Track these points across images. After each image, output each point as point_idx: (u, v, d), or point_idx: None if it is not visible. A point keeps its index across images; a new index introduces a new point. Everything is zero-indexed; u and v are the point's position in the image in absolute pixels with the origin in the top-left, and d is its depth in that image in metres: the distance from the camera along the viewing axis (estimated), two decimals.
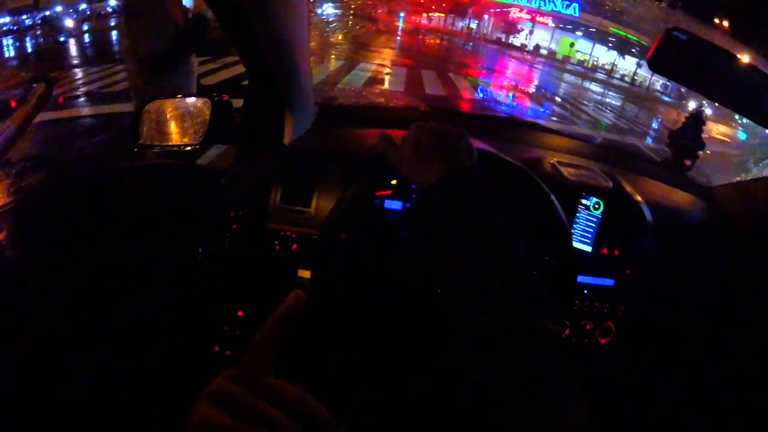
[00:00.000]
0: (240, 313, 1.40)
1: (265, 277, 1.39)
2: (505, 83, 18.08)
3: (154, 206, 1.32)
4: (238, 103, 1.37)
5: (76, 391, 1.06)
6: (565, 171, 1.54)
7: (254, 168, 1.42)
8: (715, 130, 14.17)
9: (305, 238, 1.35)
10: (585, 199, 1.51)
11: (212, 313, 1.39)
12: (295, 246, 1.36)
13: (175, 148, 1.37)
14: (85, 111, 8.98)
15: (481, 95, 13.72)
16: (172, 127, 1.36)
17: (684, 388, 1.81)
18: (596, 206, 1.51)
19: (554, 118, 12.68)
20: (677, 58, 1.17)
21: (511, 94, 15.49)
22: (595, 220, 1.52)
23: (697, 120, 2.07)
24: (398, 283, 1.26)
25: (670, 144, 2.18)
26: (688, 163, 2.10)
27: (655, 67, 1.18)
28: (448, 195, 0.82)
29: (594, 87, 24.10)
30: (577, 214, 1.52)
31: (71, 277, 1.16)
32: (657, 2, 32.82)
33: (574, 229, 1.52)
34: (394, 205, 1.34)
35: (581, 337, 1.57)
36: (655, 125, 16.71)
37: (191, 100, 1.36)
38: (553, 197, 1.27)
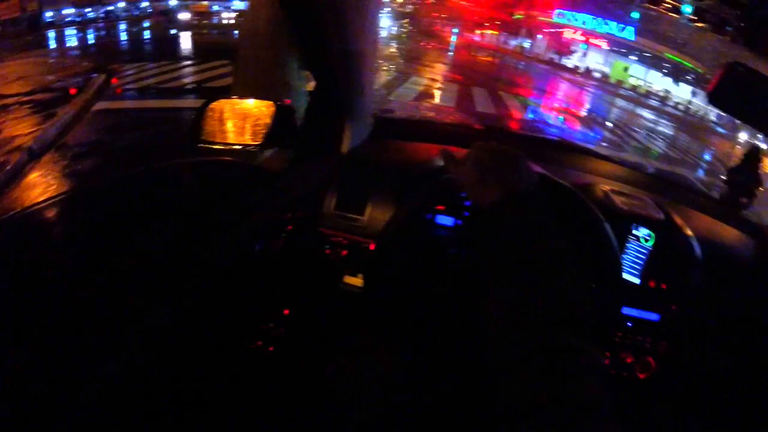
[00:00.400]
0: (286, 312, 1.43)
1: (312, 280, 1.41)
2: (555, 105, 17.96)
3: (210, 202, 1.34)
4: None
5: (122, 379, 1.08)
6: (617, 200, 1.52)
7: (311, 173, 1.45)
8: None
9: (356, 246, 1.36)
10: (636, 229, 1.48)
11: (259, 309, 1.41)
12: (344, 252, 1.37)
13: (233, 147, 1.39)
14: (141, 104, 9.25)
15: (531, 116, 13.65)
16: (233, 126, 1.38)
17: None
18: (647, 238, 1.48)
19: (604, 144, 12.50)
20: (738, 93, 1.14)
21: (561, 117, 15.36)
22: (644, 251, 1.49)
23: (754, 157, 2.00)
24: (443, 298, 1.26)
25: (728, 181, 2.12)
26: (744, 200, 2.03)
27: (715, 101, 1.16)
28: (506, 216, 0.83)
29: (646, 113, 23.67)
30: (627, 245, 1.48)
31: (121, 268, 1.18)
32: (717, 35, 32.11)
33: (624, 259, 1.47)
34: (446, 221, 1.33)
35: (620, 370, 1.54)
36: (707, 157, 16.25)
37: (254, 102, 1.38)
38: (607, 226, 1.26)
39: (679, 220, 1.55)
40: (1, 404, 0.81)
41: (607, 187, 1.57)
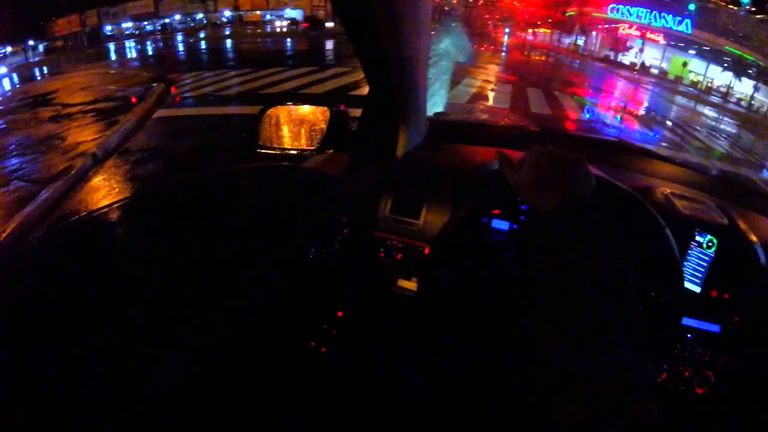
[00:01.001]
0: (339, 314, 1.44)
1: (366, 283, 1.42)
2: (612, 104, 17.56)
3: (269, 206, 1.37)
4: (353, 112, 1.40)
5: (176, 380, 1.11)
6: (679, 203, 1.46)
7: (366, 176, 1.45)
8: None
9: (410, 249, 1.36)
10: (699, 235, 1.42)
11: (314, 311, 1.43)
12: (399, 256, 1.38)
13: (291, 152, 1.41)
14: (199, 111, 9.52)
15: (587, 116, 13.38)
16: (290, 131, 1.42)
17: None
18: (710, 244, 1.42)
19: (664, 143, 12.11)
20: None
21: (618, 116, 14.99)
22: (707, 258, 1.42)
23: None
24: (497, 304, 1.24)
25: None
26: None
27: None
28: (563, 223, 0.82)
29: (707, 111, 22.89)
30: (689, 251, 1.43)
31: (183, 271, 1.22)
32: None
33: (685, 267, 1.42)
34: (502, 225, 1.32)
35: (678, 383, 1.48)
36: None
37: (310, 108, 1.41)
38: (668, 231, 1.21)
39: (743, 225, 1.48)
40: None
41: (667, 190, 1.52)
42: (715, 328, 1.44)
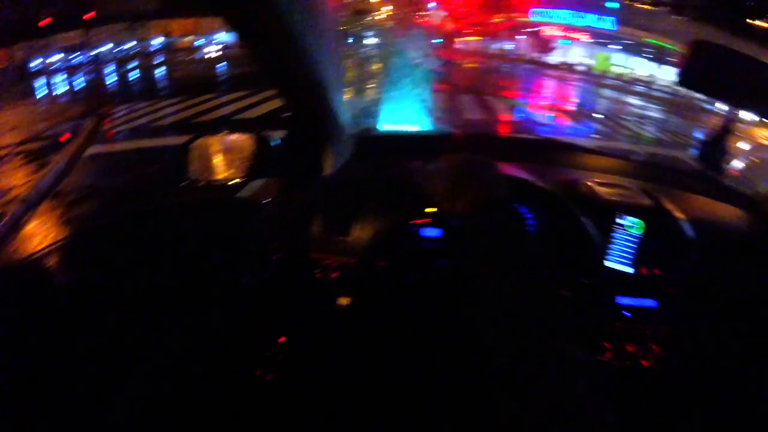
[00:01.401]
0: (282, 339, 1.43)
1: (306, 305, 1.42)
2: (543, 103, 17.96)
3: (200, 239, 1.37)
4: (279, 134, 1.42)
5: (119, 415, 1.11)
6: (602, 191, 1.53)
7: (295, 199, 1.46)
8: (760, 135, 13.73)
9: (346, 267, 1.38)
10: (623, 219, 1.49)
11: (255, 339, 1.42)
12: (336, 274, 1.39)
13: (219, 183, 1.41)
14: (134, 144, 9.30)
15: (519, 116, 13.66)
16: (216, 162, 1.42)
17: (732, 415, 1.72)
18: (634, 226, 1.49)
19: (596, 135, 12.52)
20: (708, 72, 1.14)
21: (550, 114, 15.38)
22: (633, 239, 1.50)
23: (725, 130, 1.98)
24: (434, 309, 1.27)
25: (701, 156, 2.10)
26: (714, 175, 2.02)
27: (686, 83, 1.16)
28: (480, 226, 0.84)
29: (634, 100, 23.67)
30: (615, 235, 1.50)
31: (120, 307, 1.22)
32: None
33: (613, 249, 1.49)
34: (432, 232, 1.35)
35: (624, 360, 1.54)
36: (699, 135, 15.87)
37: (233, 136, 1.42)
38: (582, 219, 1.29)
39: (669, 204, 1.56)
40: None
41: (591, 181, 1.58)
42: (652, 303, 1.51)
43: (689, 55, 1.11)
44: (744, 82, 1.12)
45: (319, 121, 1.32)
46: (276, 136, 1.43)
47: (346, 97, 1.44)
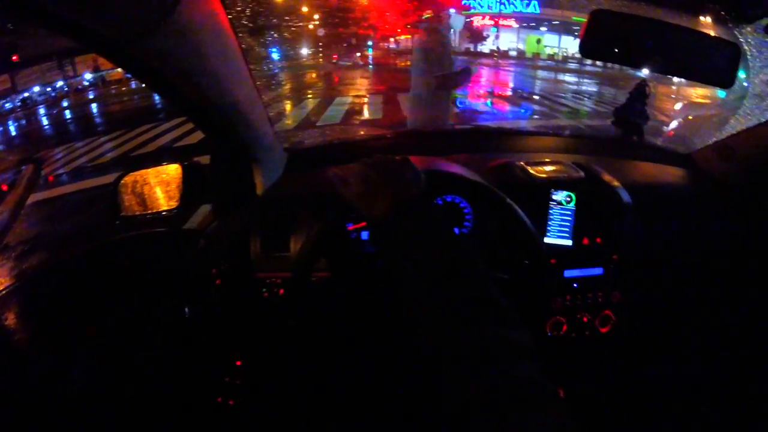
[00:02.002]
0: (238, 363, 1.43)
1: (258, 326, 1.42)
2: (481, 92, 18.05)
3: (142, 275, 1.37)
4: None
5: None
6: (533, 170, 1.56)
7: (232, 223, 1.46)
8: (695, 94, 14.15)
9: (290, 282, 1.36)
10: (556, 194, 1.51)
11: (211, 367, 1.41)
12: (282, 291, 1.38)
13: (155, 216, 1.40)
14: (75, 186, 9.04)
15: (459, 107, 13.75)
16: (150, 195, 1.41)
17: (689, 371, 1.81)
18: (568, 199, 1.52)
19: (535, 116, 12.71)
20: (608, 39, 1.16)
21: (489, 101, 15.48)
22: (569, 213, 1.53)
23: (641, 92, 2.04)
24: (378, 310, 1.31)
25: (616, 121, 2.16)
26: (635, 138, 2.08)
27: (587, 52, 1.17)
28: (398, 225, 0.85)
29: (568, 78, 24.08)
30: (550, 211, 1.52)
31: (75, 349, 1.22)
32: None
33: (551, 225, 1.52)
34: (366, 235, 1.40)
35: (581, 330, 1.57)
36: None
37: (161, 167, 1.41)
38: (509, 201, 1.30)
39: (603, 174, 1.59)
40: None
41: (522, 162, 1.60)
42: (598, 271, 1.54)
43: (587, 25, 1.13)
44: (642, 44, 1.17)
45: (243, 143, 1.32)
46: (206, 162, 1.44)
47: (276, 111, 1.45)
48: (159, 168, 1.42)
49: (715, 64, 1.17)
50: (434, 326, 0.70)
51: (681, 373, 1.81)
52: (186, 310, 1.30)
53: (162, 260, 1.41)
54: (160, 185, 1.42)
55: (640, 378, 1.79)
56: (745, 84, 1.82)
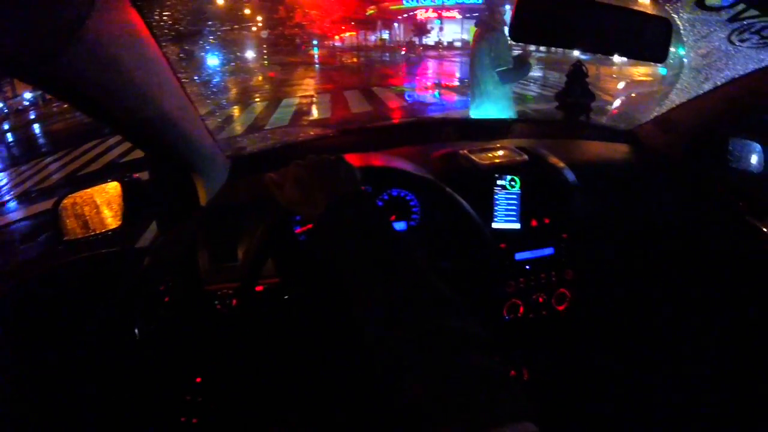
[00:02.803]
0: (198, 380, 1.40)
1: (214, 339, 1.39)
2: (428, 84, 18.25)
3: (88, 299, 1.33)
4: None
5: None
6: (476, 157, 1.57)
7: (177, 237, 1.42)
8: (636, 73, 14.53)
9: (238, 292, 1.34)
10: (500, 179, 1.52)
11: (170, 387, 1.38)
12: (234, 301, 1.36)
13: (100, 237, 1.35)
14: (22, 213, 8.77)
15: (408, 101, 13.83)
16: (92, 216, 1.37)
17: (647, 340, 1.86)
18: (513, 183, 1.53)
19: None
20: (538, 21, 1.14)
21: (437, 92, 15.68)
22: (515, 196, 1.54)
23: (578, 73, 2.06)
24: (332, 312, 1.31)
25: (560, 106, 2.18)
26: (583, 118, 2.11)
27: (518, 36, 1.14)
28: (333, 224, 0.84)
29: None
30: (496, 196, 1.53)
31: (23, 381, 1.19)
32: None
33: (497, 210, 1.53)
34: (301, 237, 1.40)
35: (538, 311, 1.59)
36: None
37: (99, 186, 1.36)
38: (449, 190, 1.32)
39: (548, 156, 1.62)
40: None
41: (465, 150, 1.62)
42: (548, 251, 1.56)
43: (516, 8, 1.11)
44: (573, 25, 1.16)
45: (179, 154, 1.29)
46: (146, 176, 1.40)
47: (223, 118, 1.41)
48: (98, 187, 1.37)
49: (648, 40, 1.17)
50: (377, 325, 0.69)
51: (640, 342, 1.85)
52: (136, 331, 1.25)
53: (108, 282, 1.36)
54: (102, 205, 1.37)
55: (602, 352, 1.83)
56: (685, 60, 1.87)
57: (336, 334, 1.34)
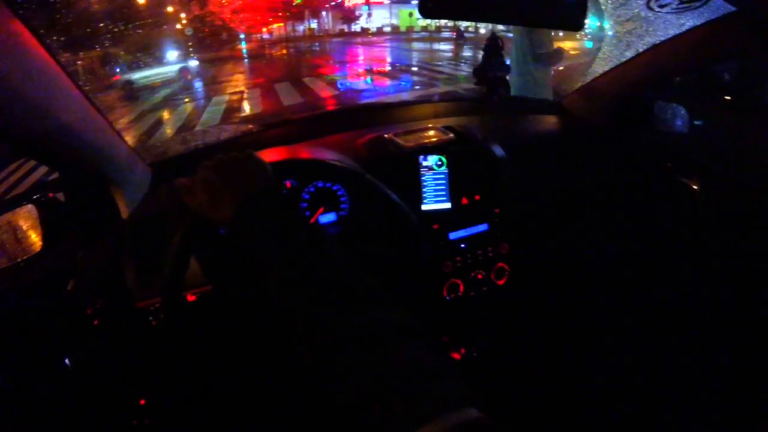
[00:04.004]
0: (142, 402, 1.36)
1: (153, 357, 1.34)
2: (360, 71, 18.20)
3: (11, 332, 1.25)
4: None
5: None
6: (401, 140, 1.56)
7: (99, 255, 1.35)
8: (565, 47, 14.87)
9: (163, 307, 1.27)
10: (425, 160, 1.51)
11: (114, 413, 1.33)
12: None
13: (22, 264, 1.25)
14: None
15: (340, 89, 13.76)
16: (10, 243, 1.29)
17: (589, 303, 1.91)
18: (439, 163, 1.52)
19: (416, 87, 12.93)
20: None
21: (368, 78, 15.69)
22: (443, 176, 1.53)
23: (494, 47, 2.07)
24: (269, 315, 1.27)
25: (479, 82, 2.18)
26: (502, 91, 2.14)
27: (427, 12, 1.07)
28: (243, 224, 0.82)
29: (443, 46, 24.69)
30: (423, 177, 1.52)
31: None
32: None
33: (426, 191, 1.52)
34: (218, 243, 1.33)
35: (478, 288, 1.60)
36: (508, 62, 16.87)
37: (17, 210, 1.29)
38: (368, 177, 1.31)
39: (474, 133, 1.61)
40: None
41: (390, 134, 1.60)
42: (483, 227, 1.57)
43: None
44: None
45: (90, 167, 1.23)
46: (62, 196, 1.32)
47: (152, 121, 1.35)
48: (12, 212, 1.31)
49: (563, 9, 1.13)
50: (302, 324, 0.68)
51: (581, 307, 1.90)
52: (66, 361, 1.18)
53: (34, 311, 1.26)
54: (20, 230, 1.32)
55: (547, 321, 1.88)
56: (606, 27, 1.90)
57: (277, 336, 1.28)
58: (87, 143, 1.14)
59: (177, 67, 20.34)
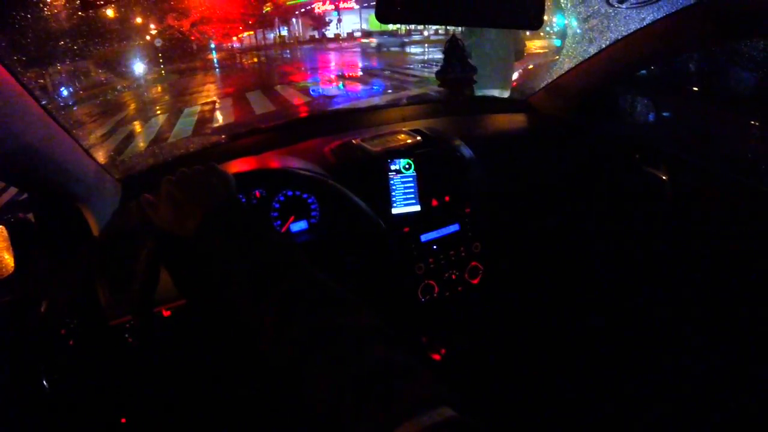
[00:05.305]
0: (123, 420, 1.34)
1: (131, 375, 1.33)
2: (332, 76, 18.19)
3: None
4: None
5: None
6: (369, 145, 1.57)
7: (71, 274, 1.33)
8: (533, 46, 14.99)
9: (135, 324, 1.28)
10: (393, 164, 1.52)
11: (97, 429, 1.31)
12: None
13: None
14: None
15: (312, 95, 13.73)
16: None
17: (563, 296, 1.95)
18: (407, 166, 1.53)
19: (389, 91, 13.02)
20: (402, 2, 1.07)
21: (341, 84, 15.66)
22: (411, 179, 1.54)
23: (454, 48, 2.07)
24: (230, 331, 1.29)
25: (442, 84, 2.18)
26: (468, 92, 2.16)
27: (384, 18, 1.08)
28: (207, 237, 0.82)
29: (414, 49, 24.74)
30: (392, 181, 1.52)
31: None
32: None
33: (395, 195, 1.53)
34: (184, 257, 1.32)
35: (453, 288, 1.62)
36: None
37: None
38: (331, 182, 1.33)
39: (441, 134, 1.63)
40: None
41: (358, 139, 1.62)
42: (454, 228, 1.58)
43: None
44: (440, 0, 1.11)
45: (57, 186, 1.22)
46: (32, 216, 1.31)
47: (124, 136, 1.32)
48: None
49: (520, 8, 1.13)
50: (270, 332, 0.68)
51: (556, 302, 1.93)
52: (44, 383, 1.15)
53: (8, 334, 1.23)
54: None
55: (524, 318, 1.90)
56: (569, 25, 1.95)
57: (250, 345, 1.31)
58: (52, 162, 1.13)
59: (147, 79, 20.12)
